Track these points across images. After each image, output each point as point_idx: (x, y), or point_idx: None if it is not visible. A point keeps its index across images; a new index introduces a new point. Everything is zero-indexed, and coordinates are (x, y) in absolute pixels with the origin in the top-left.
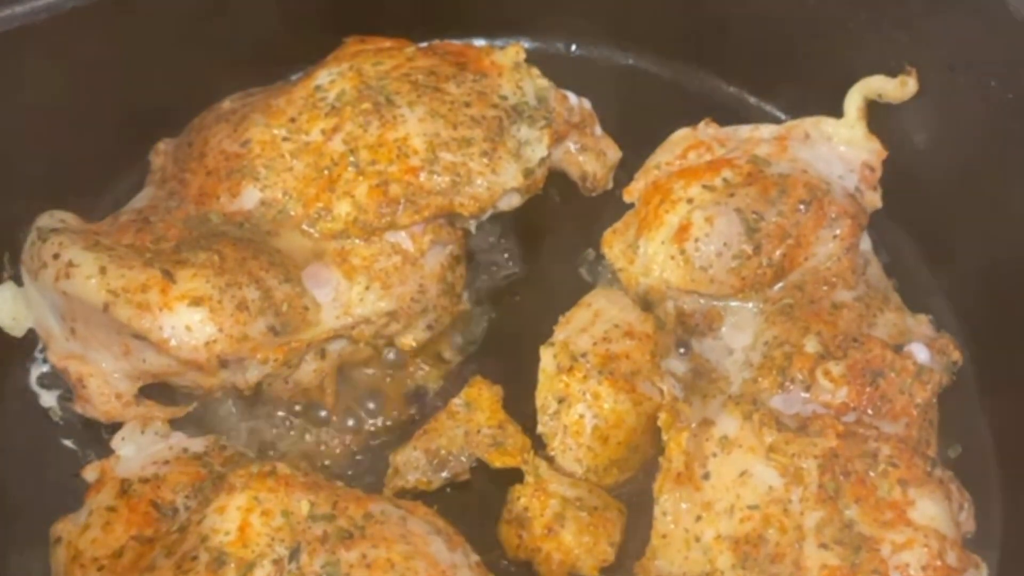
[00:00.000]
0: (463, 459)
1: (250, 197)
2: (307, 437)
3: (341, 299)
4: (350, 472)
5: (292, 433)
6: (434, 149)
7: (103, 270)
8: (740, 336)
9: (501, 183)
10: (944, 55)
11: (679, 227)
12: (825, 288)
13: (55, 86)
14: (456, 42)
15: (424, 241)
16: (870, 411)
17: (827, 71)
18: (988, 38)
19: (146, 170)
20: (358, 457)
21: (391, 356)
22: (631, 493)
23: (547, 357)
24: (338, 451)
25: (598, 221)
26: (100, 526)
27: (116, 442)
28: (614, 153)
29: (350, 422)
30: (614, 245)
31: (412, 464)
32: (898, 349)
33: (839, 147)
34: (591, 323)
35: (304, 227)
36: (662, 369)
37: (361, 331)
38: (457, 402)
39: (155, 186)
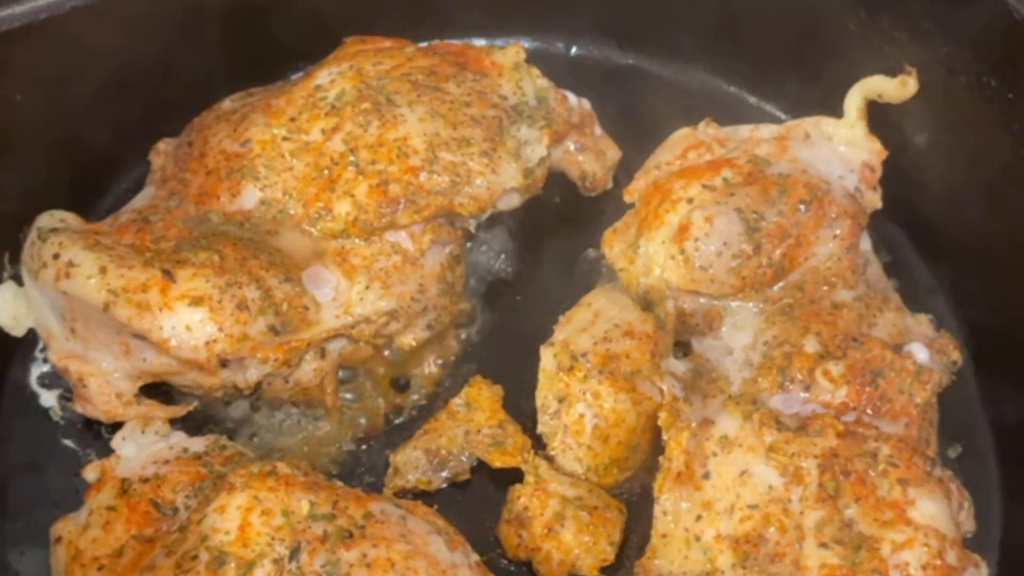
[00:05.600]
0: (463, 459)
1: (250, 197)
2: (307, 437)
3: (341, 298)
4: (350, 472)
5: (292, 432)
6: (434, 149)
7: (103, 270)
8: (740, 336)
9: (501, 183)
10: (944, 55)
11: (679, 227)
12: (825, 288)
13: (55, 86)
14: (456, 42)
15: (424, 241)
16: (870, 411)
17: (827, 71)
18: (988, 38)
19: (146, 170)
20: (358, 457)
21: (391, 355)
22: (631, 493)
23: (547, 357)
24: (338, 451)
25: (598, 221)
26: (100, 526)
27: (116, 442)
28: (614, 153)
29: (350, 421)
30: (614, 245)
31: (412, 464)
32: (898, 349)
33: (839, 147)
34: (591, 323)
35: (304, 227)
36: (662, 369)
37: (361, 330)
38: (457, 402)
39: (155, 186)
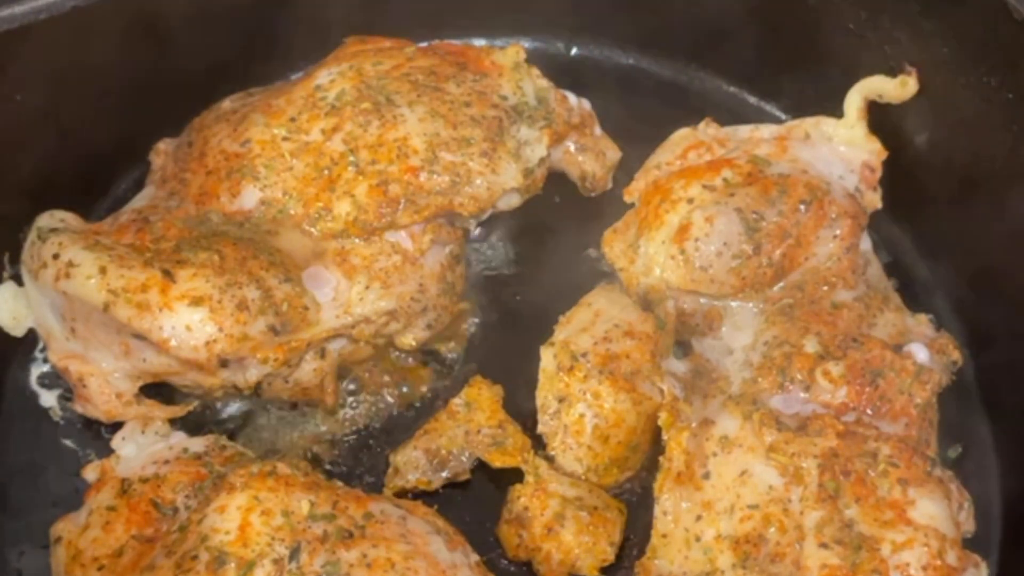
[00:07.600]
0: (463, 459)
1: (250, 197)
2: (307, 437)
3: (341, 298)
4: (350, 472)
5: (292, 432)
6: (434, 149)
7: (103, 270)
8: (740, 336)
9: (501, 183)
10: (944, 55)
11: (679, 227)
12: (825, 288)
13: (55, 86)
14: (456, 42)
15: (424, 241)
16: (870, 411)
17: (827, 71)
18: (988, 38)
19: (146, 170)
20: (358, 457)
21: (391, 355)
22: (631, 493)
23: (547, 357)
24: (338, 451)
25: (598, 221)
26: (100, 526)
27: (116, 442)
28: (614, 153)
29: (350, 421)
30: (614, 245)
31: (412, 464)
32: (898, 349)
33: (839, 147)
34: (591, 323)
35: (304, 227)
36: (662, 369)
37: (361, 330)
38: (457, 402)
39: (155, 186)
